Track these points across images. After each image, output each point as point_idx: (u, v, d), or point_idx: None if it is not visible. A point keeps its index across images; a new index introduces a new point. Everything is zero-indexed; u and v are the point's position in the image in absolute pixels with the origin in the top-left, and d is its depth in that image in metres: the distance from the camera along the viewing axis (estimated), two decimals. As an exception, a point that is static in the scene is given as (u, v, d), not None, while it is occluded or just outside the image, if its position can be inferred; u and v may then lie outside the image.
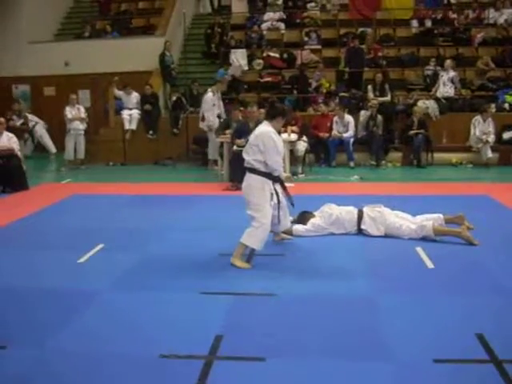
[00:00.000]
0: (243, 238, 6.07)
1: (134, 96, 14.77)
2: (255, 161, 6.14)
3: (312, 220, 7.24)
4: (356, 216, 7.16)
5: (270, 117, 6.30)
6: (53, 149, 15.59)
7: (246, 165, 6.25)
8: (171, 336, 4.36)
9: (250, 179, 6.20)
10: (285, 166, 11.14)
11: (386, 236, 7.00)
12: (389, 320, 4.60)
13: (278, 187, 6.36)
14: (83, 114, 13.83)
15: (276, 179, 6.27)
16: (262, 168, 6.13)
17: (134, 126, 14.59)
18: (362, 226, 7.10)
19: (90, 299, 5.13)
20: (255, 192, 6.10)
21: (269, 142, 6.07)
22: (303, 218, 7.36)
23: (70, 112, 13.61)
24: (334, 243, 6.87)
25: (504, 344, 4.09)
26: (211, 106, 12.89)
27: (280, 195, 6.35)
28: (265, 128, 6.24)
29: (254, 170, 6.16)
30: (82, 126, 13.76)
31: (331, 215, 7.20)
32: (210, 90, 13.15)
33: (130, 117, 14.64)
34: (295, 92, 15.10)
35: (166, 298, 5.15)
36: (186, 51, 17.29)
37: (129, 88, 14.79)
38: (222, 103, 13.38)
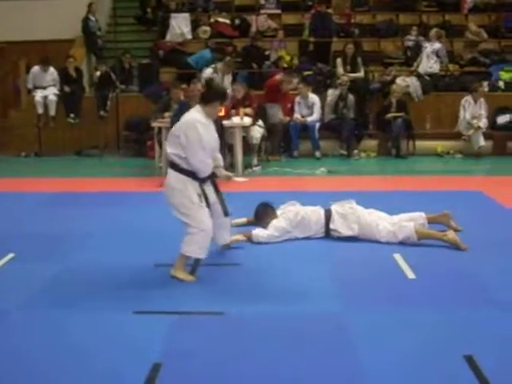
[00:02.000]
0: (181, 248, 6.04)
1: (51, 72, 14.55)
2: (176, 155, 6.00)
3: (274, 223, 7.25)
4: (323, 216, 7.24)
5: (204, 101, 6.11)
6: None
7: (168, 158, 6.17)
8: (97, 365, 4.33)
9: (169, 177, 6.08)
10: (225, 161, 11.19)
11: (358, 239, 7.08)
12: (361, 342, 4.65)
13: (210, 189, 6.23)
14: None
15: (204, 180, 6.12)
16: (183, 165, 5.99)
17: (52, 112, 14.35)
18: (331, 226, 7.18)
19: (-3, 321, 5.08)
20: (176, 194, 6.00)
21: (192, 134, 5.90)
22: (264, 214, 7.39)
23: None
24: (296, 249, 6.92)
25: (496, 366, 4.18)
26: None
27: (210, 199, 6.20)
28: (192, 115, 6.09)
29: (174, 166, 6.04)
30: None
31: (296, 215, 7.25)
32: (212, 66, 13.15)
33: (45, 100, 14.39)
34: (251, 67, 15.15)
35: (92, 319, 5.12)
36: (116, 16, 17.16)
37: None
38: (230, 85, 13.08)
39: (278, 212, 7.39)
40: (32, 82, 14.43)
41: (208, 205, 6.13)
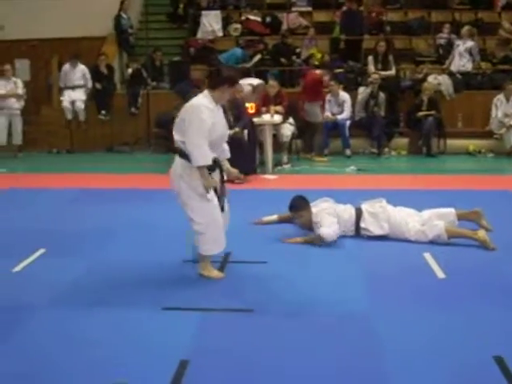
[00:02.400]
0: (198, 248, 5.95)
1: (80, 69, 14.60)
2: (182, 142, 5.73)
3: (325, 220, 7.05)
4: (354, 214, 7.20)
5: (212, 85, 5.83)
6: None
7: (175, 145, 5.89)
8: (127, 361, 4.35)
9: (176, 165, 5.85)
10: (256, 159, 11.24)
11: (388, 238, 7.05)
12: (391, 342, 4.62)
13: (217, 178, 5.92)
14: (20, 90, 13.70)
15: (212, 167, 5.79)
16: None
17: (82, 117, 14.38)
18: (362, 225, 7.15)
19: (28, 316, 5.10)
20: (182, 183, 5.79)
21: (194, 117, 5.63)
22: (301, 206, 7.30)
23: (3, 86, 13.47)
24: (324, 247, 6.90)
25: (527, 369, 4.14)
26: None
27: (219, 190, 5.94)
28: (198, 99, 5.82)
29: (181, 154, 5.78)
30: (17, 105, 13.64)
31: (333, 212, 7.20)
32: (253, 83, 12.96)
33: (73, 105, 14.37)
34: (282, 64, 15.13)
35: (121, 315, 5.14)
36: (148, 13, 17.23)
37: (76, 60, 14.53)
38: None
39: (315, 209, 7.29)
40: (63, 81, 14.49)
41: (216, 194, 5.86)
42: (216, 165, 5.88)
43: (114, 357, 4.43)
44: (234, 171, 6.28)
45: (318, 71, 13.48)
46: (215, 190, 5.84)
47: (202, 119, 5.62)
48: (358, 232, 7.20)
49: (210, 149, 5.68)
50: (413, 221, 7.07)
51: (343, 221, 7.15)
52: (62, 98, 14.33)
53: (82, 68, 14.53)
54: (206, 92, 5.86)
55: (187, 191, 5.76)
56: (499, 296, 5.54)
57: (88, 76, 14.50)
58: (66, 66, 14.49)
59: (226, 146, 6.12)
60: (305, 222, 7.32)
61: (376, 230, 7.10)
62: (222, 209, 5.98)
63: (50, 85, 15.43)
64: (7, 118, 13.48)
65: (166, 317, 5.12)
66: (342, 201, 7.42)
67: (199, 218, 5.80)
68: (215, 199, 5.83)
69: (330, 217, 7.06)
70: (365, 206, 7.24)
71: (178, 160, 5.82)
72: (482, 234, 6.85)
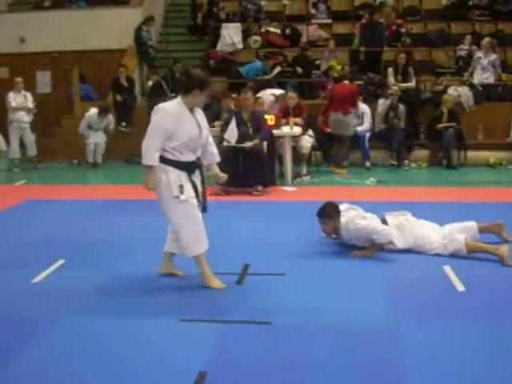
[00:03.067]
0: (187, 254, 6.03)
1: (108, 119, 14.23)
2: None
3: (366, 224, 6.96)
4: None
5: (184, 90, 5.91)
6: (3, 146, 14.88)
7: None
8: (145, 372, 4.35)
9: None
10: (275, 171, 11.23)
11: (409, 251, 7.01)
12: (410, 354, 4.59)
13: (198, 180, 6.01)
14: (30, 104, 13.70)
15: (191, 170, 5.92)
16: (165, 154, 5.83)
17: (99, 159, 14.18)
18: None
19: (47, 327, 5.12)
20: (159, 185, 5.88)
21: (152, 120, 5.82)
22: (333, 213, 7.19)
23: (14, 99, 13.48)
24: (345, 258, 6.90)
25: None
26: None
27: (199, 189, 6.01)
28: (163, 104, 6.03)
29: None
30: (27, 118, 13.65)
31: (364, 218, 7.13)
32: (275, 93, 13.07)
33: (96, 147, 14.10)
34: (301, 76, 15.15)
35: (139, 326, 5.15)
36: (168, 25, 17.33)
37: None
38: None
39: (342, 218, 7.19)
40: (86, 123, 14.34)
41: (197, 195, 5.95)
42: (195, 167, 5.97)
43: (132, 367, 4.44)
44: (223, 175, 6.41)
45: (351, 83, 13.37)
46: (196, 192, 5.93)
47: (157, 122, 5.78)
48: None
49: (185, 151, 5.84)
50: (435, 234, 7.03)
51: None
52: (87, 141, 13.99)
53: (110, 118, 14.32)
54: (178, 98, 5.95)
55: (164, 192, 5.85)
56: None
57: (113, 123, 14.46)
58: (93, 113, 14.08)
59: (214, 151, 6.28)
60: (328, 230, 7.25)
61: (400, 244, 7.03)
62: (205, 209, 6.11)
63: (70, 96, 15.53)
64: (18, 131, 13.46)
65: (183, 328, 5.12)
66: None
67: (179, 219, 5.89)
68: (193, 200, 5.90)
69: (363, 220, 6.97)
70: (389, 219, 7.19)
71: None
72: (503, 250, 6.75)
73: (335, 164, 12.84)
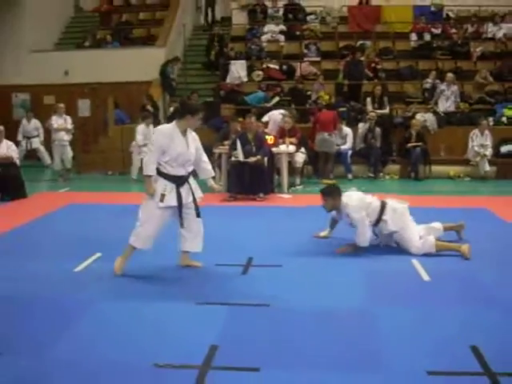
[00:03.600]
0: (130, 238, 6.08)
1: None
2: None
3: (357, 216, 6.77)
4: (379, 206, 6.95)
5: (179, 115, 6.07)
6: (48, 160, 14.95)
7: None
8: (166, 345, 4.37)
9: None
10: (273, 181, 11.22)
11: (381, 248, 7.00)
12: (384, 332, 4.61)
13: (185, 191, 6.02)
14: (70, 125, 13.68)
15: (178, 182, 5.96)
16: (161, 168, 5.94)
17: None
18: (384, 217, 6.88)
19: (85, 308, 5.13)
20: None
21: (153, 138, 6.00)
22: (334, 192, 6.98)
23: (56, 121, 13.47)
24: (332, 253, 6.88)
25: (498, 356, 4.09)
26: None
27: (184, 200, 6.00)
28: (160, 126, 6.25)
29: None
30: (66, 137, 13.54)
31: (364, 198, 6.95)
32: (282, 112, 12.94)
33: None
34: (294, 104, 15.14)
35: (162, 308, 5.16)
36: (186, 62, 17.37)
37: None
38: None
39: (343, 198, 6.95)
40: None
41: (180, 205, 5.97)
42: (183, 180, 6.02)
43: (156, 341, 4.45)
44: (217, 187, 6.58)
45: (331, 110, 13.43)
46: (179, 201, 5.94)
47: (154, 140, 5.93)
48: (376, 223, 6.93)
49: (175, 165, 5.93)
50: (417, 237, 6.87)
51: (371, 211, 6.86)
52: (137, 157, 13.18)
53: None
54: (174, 122, 6.06)
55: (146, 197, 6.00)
56: (475, 296, 5.49)
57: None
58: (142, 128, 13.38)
59: (208, 167, 6.34)
60: (328, 206, 7.03)
61: (392, 226, 6.86)
62: (198, 215, 6.17)
63: (106, 120, 15.55)
64: (59, 148, 13.43)
65: (198, 310, 5.13)
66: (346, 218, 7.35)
67: (141, 214, 6.02)
68: (170, 209, 5.98)
69: (357, 213, 6.76)
70: (390, 202, 7.01)
71: None
72: (465, 247, 6.70)
73: (323, 176, 12.82)
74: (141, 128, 13.01)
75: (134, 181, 12.96)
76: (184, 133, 6.00)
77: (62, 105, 13.89)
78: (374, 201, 7.00)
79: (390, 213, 6.90)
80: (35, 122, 15.14)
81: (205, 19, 19.47)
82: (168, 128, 6.02)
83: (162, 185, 5.93)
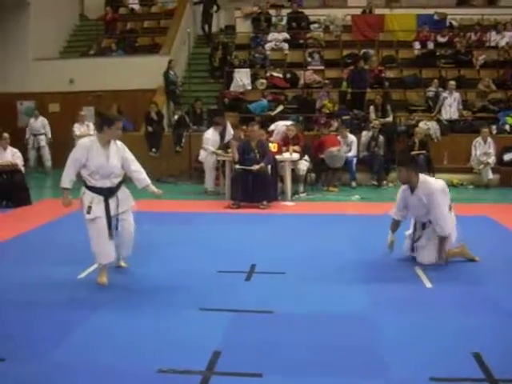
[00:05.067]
0: None
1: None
2: None
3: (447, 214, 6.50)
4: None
5: (97, 128, 6.09)
6: (48, 162, 15.60)
7: None
8: (169, 351, 4.38)
9: None
10: (277, 189, 11.23)
11: (386, 254, 6.97)
12: (387, 338, 4.62)
13: (113, 203, 6.06)
14: (92, 132, 13.79)
15: (107, 195, 5.99)
16: (86, 181, 6.00)
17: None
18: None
19: (88, 314, 5.15)
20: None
21: (72, 151, 5.97)
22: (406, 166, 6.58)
23: (78, 129, 13.68)
24: (334, 260, 6.89)
25: (500, 363, 4.10)
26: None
27: (112, 212, 6.02)
28: (82, 140, 6.17)
29: None
30: None
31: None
32: (288, 123, 12.95)
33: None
34: (298, 113, 15.19)
35: (165, 314, 5.18)
36: (191, 70, 17.43)
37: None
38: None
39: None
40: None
41: (108, 217, 5.99)
42: (110, 192, 6.04)
43: (160, 346, 4.47)
44: (157, 191, 6.51)
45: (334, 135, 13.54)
46: (107, 211, 5.97)
47: (71, 154, 5.94)
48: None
49: (98, 178, 5.94)
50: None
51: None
52: None
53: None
54: (96, 135, 6.07)
55: (83, 211, 6.00)
56: (477, 303, 5.49)
57: None
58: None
59: (141, 176, 6.39)
60: (402, 178, 6.66)
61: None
62: (116, 227, 6.14)
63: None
64: None
65: (202, 315, 5.15)
66: (349, 225, 7.37)
67: (90, 232, 6.02)
68: (100, 219, 5.94)
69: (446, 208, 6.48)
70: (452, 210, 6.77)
71: None
72: (465, 250, 6.76)
73: (329, 184, 12.84)
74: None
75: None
76: (107, 145, 6.01)
77: (83, 113, 14.10)
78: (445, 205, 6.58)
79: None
80: (42, 120, 15.71)
81: (202, 31, 19.40)
82: (86, 142, 6.01)
83: (89, 197, 5.95)
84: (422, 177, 6.63)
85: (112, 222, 6.03)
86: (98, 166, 5.92)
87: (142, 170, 6.40)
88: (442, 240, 6.58)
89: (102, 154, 5.95)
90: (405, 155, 6.76)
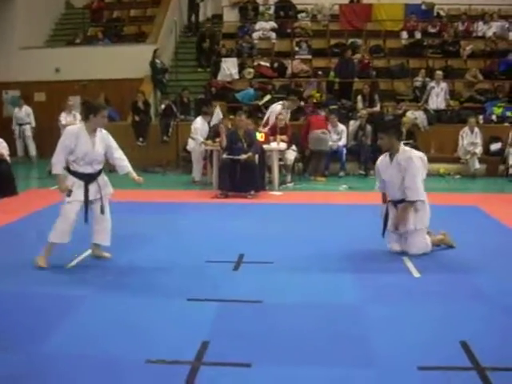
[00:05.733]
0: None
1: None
2: None
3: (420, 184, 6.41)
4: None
5: (83, 117, 6.23)
6: (33, 151, 15.69)
7: None
8: (158, 341, 4.37)
9: None
10: (265, 178, 11.24)
11: (374, 244, 6.98)
12: (374, 328, 4.63)
13: (93, 188, 6.25)
14: (78, 121, 13.70)
15: (88, 180, 6.18)
16: (70, 166, 6.18)
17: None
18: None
19: (76, 304, 5.13)
20: None
21: (61, 139, 6.11)
22: (388, 132, 6.58)
23: (64, 118, 13.56)
24: (322, 250, 6.89)
25: (487, 351, 4.12)
26: (274, 118, 12.55)
27: (91, 196, 6.23)
28: (69, 127, 6.40)
29: None
30: None
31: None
32: (280, 102, 12.88)
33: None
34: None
35: (153, 304, 5.16)
36: (178, 59, 17.36)
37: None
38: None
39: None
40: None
41: (86, 200, 6.20)
42: (91, 177, 6.22)
43: (148, 337, 4.45)
44: (138, 178, 6.64)
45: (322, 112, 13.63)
46: (85, 197, 6.17)
47: (60, 141, 6.08)
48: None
49: (82, 163, 6.13)
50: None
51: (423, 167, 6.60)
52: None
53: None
54: (82, 123, 6.24)
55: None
56: (464, 291, 5.52)
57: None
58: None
59: (123, 163, 6.54)
60: (383, 145, 6.68)
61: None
62: (102, 211, 6.35)
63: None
64: None
65: (190, 306, 5.14)
66: (336, 213, 7.36)
67: (60, 211, 6.17)
68: (77, 203, 6.16)
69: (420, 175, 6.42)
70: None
71: None
72: (447, 238, 6.82)
73: (316, 174, 12.85)
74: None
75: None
76: (93, 133, 6.19)
77: (71, 102, 13.99)
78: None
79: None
80: (26, 109, 15.68)
81: (188, 22, 19.30)
82: (75, 128, 6.22)
83: (71, 181, 6.14)
84: (403, 147, 6.66)
85: (88, 206, 6.25)
86: (84, 152, 6.11)
87: (125, 157, 6.57)
88: (409, 205, 6.46)
89: (88, 142, 6.14)
90: (386, 122, 6.69)
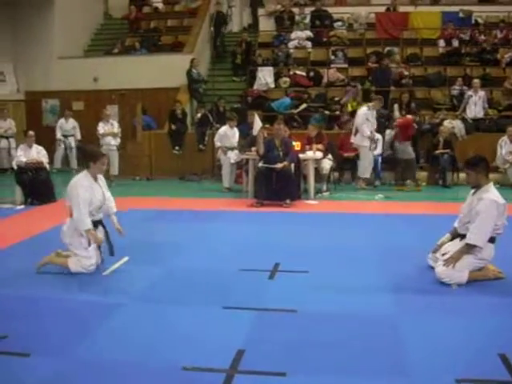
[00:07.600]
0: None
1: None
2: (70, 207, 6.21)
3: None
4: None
5: (84, 165, 6.29)
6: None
7: None
8: (194, 349, 4.39)
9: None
10: (300, 188, 11.24)
11: (410, 257, 6.90)
12: (411, 339, 4.57)
13: (100, 233, 6.36)
14: (116, 130, 13.86)
15: (96, 225, 6.28)
16: None
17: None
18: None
19: (112, 311, 5.18)
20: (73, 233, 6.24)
21: (73, 193, 6.07)
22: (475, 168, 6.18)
23: (102, 127, 13.71)
24: (358, 259, 6.85)
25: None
26: (365, 119, 12.65)
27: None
28: (76, 178, 6.26)
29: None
30: (114, 142, 13.75)
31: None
32: (365, 105, 13.01)
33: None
34: (323, 110, 15.15)
35: (189, 312, 5.19)
36: (214, 69, 17.47)
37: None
38: (375, 121, 12.91)
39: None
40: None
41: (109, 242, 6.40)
42: (98, 223, 6.35)
43: (183, 345, 4.47)
44: (118, 228, 6.61)
45: (408, 116, 13.48)
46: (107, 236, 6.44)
47: (78, 194, 6.04)
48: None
49: (95, 212, 6.25)
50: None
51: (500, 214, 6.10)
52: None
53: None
54: (84, 171, 6.27)
55: (73, 238, 6.28)
56: (503, 303, 5.42)
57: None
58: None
59: (112, 204, 6.61)
60: (470, 180, 6.30)
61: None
62: (111, 253, 6.43)
63: (134, 126, 15.68)
64: (106, 153, 13.54)
65: (225, 314, 5.14)
66: (371, 223, 7.30)
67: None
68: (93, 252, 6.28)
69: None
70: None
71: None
72: (492, 269, 6.24)
73: (398, 182, 12.97)
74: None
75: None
76: (96, 180, 6.29)
77: (108, 111, 14.17)
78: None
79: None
80: (73, 122, 15.83)
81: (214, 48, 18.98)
82: (84, 180, 6.18)
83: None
84: (490, 186, 6.24)
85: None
86: (100, 200, 6.25)
87: (113, 199, 6.67)
88: (464, 248, 6.02)
89: (98, 189, 6.27)
90: (474, 158, 6.29)
